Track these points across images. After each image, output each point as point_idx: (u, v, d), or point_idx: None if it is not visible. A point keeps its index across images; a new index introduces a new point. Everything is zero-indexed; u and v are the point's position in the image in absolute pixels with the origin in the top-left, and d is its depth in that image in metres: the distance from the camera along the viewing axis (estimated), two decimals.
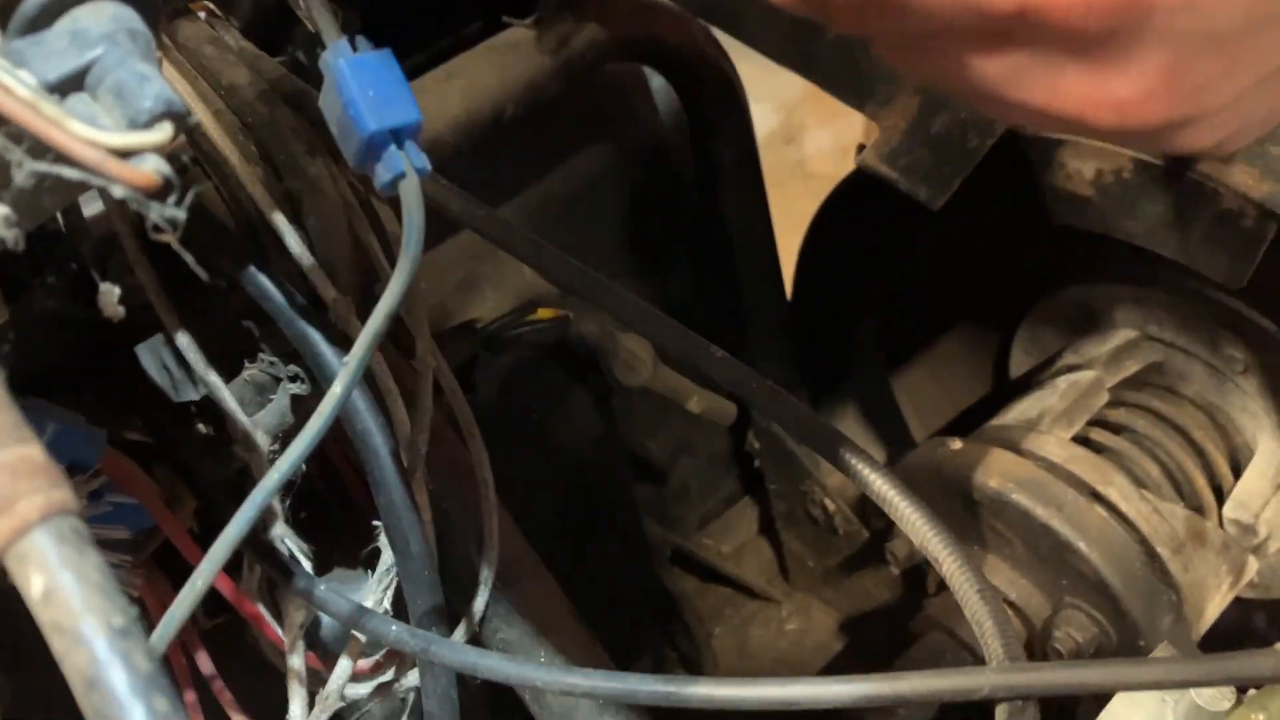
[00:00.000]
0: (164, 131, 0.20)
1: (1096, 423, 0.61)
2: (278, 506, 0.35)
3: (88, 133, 0.19)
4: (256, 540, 0.35)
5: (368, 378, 0.36)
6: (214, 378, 0.36)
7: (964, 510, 0.57)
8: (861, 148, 0.47)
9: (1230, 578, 0.57)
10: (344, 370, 0.26)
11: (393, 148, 0.24)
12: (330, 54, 0.24)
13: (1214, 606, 0.57)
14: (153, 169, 0.19)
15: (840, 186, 0.63)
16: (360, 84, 0.23)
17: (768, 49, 0.46)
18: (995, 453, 0.56)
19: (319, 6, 0.25)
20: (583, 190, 0.58)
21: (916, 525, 0.39)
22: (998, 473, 0.55)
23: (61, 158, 0.19)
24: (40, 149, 0.19)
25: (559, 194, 0.58)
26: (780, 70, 0.48)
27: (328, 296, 0.33)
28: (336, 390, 0.26)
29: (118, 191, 0.19)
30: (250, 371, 0.38)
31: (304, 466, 0.27)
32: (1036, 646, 0.55)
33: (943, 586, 0.56)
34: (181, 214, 0.20)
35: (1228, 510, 0.58)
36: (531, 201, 0.57)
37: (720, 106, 0.55)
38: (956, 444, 0.58)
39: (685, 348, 0.41)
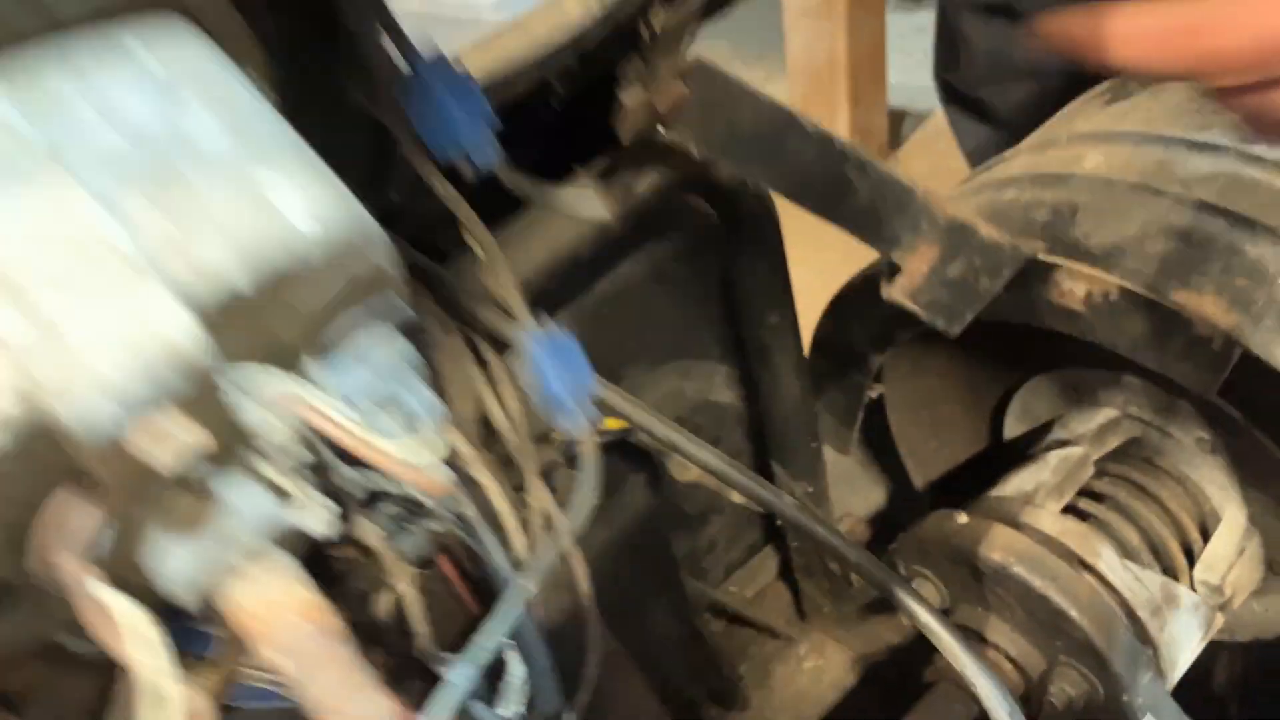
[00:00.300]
0: (443, 444, 0.27)
1: (1083, 493, 0.69)
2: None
3: (395, 450, 0.26)
4: None
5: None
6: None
7: (970, 577, 0.65)
8: (891, 267, 0.55)
9: (1200, 633, 0.66)
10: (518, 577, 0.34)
11: (574, 408, 0.31)
12: (525, 339, 0.31)
13: (1186, 658, 0.66)
14: (444, 477, 0.27)
15: (857, 278, 0.71)
16: (550, 362, 0.31)
17: (806, 202, 0.53)
18: (997, 527, 0.64)
19: (510, 289, 0.32)
20: (630, 293, 0.66)
21: (932, 630, 0.46)
22: (1000, 547, 0.63)
23: (362, 463, 0.27)
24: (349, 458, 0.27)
25: (609, 296, 0.65)
26: None
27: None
28: (518, 583, 0.33)
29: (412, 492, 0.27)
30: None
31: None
32: (1033, 697, 0.64)
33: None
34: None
35: (1198, 572, 0.67)
36: (586, 306, 0.64)
37: (756, 227, 0.63)
38: (963, 518, 0.66)
39: (721, 468, 0.50)
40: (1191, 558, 0.68)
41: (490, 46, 0.41)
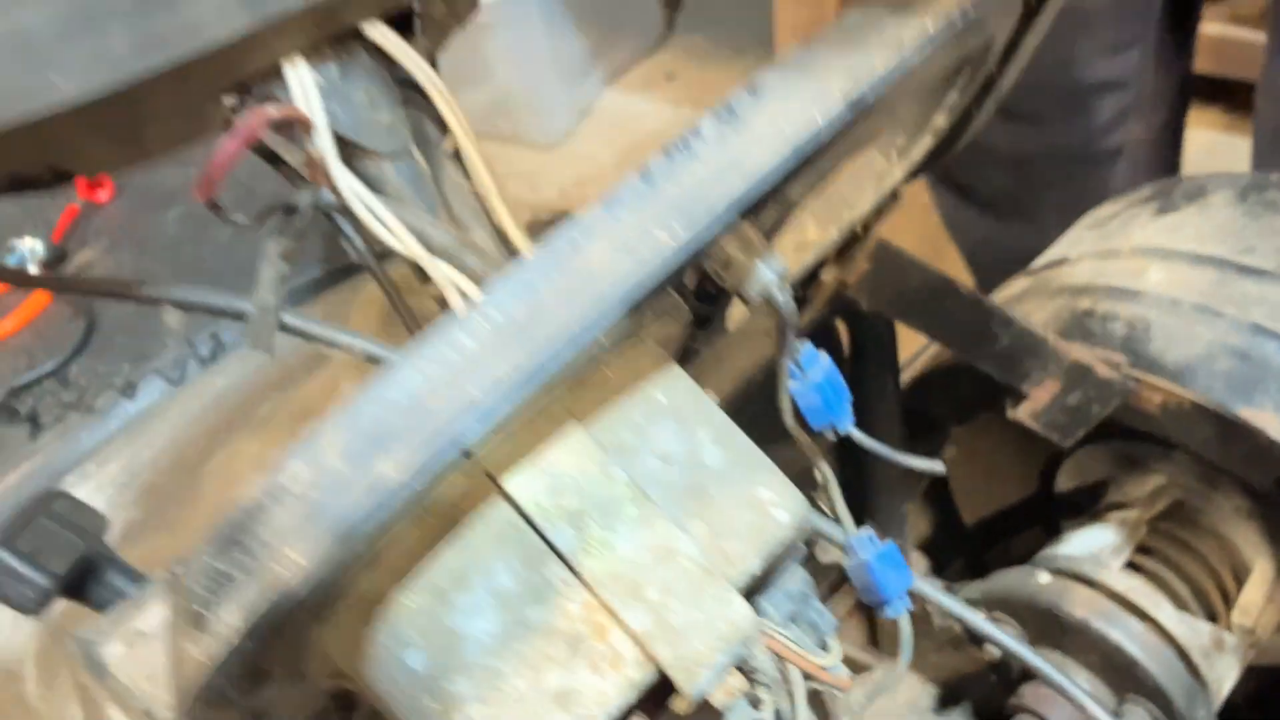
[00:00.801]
0: (838, 650, 0.38)
1: (1139, 549, 0.82)
2: None
3: (822, 660, 0.37)
4: None
5: None
6: None
7: (1050, 626, 0.77)
8: (1015, 395, 0.66)
9: (1238, 668, 0.79)
10: None
11: (897, 600, 0.42)
12: (858, 545, 0.42)
13: (1228, 689, 0.79)
14: (847, 675, 0.37)
15: (946, 362, 0.82)
16: (879, 566, 0.42)
17: (956, 348, 0.64)
18: (1076, 586, 0.77)
19: (840, 502, 0.43)
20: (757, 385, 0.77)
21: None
22: (1080, 604, 0.76)
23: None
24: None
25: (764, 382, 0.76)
26: None
27: None
28: None
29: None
30: None
31: None
32: None
33: (1027, 675, 0.77)
34: None
35: (1235, 616, 0.80)
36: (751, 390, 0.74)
37: (879, 340, 0.74)
38: (1046, 577, 0.78)
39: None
40: (1229, 604, 0.81)
41: None
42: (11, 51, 0.41)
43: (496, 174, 0.60)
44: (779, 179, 0.35)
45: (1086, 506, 0.86)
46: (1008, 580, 0.80)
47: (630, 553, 0.32)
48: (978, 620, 0.68)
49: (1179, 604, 0.80)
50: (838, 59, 0.37)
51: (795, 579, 0.38)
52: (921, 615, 0.93)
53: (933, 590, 0.49)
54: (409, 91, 0.55)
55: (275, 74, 0.50)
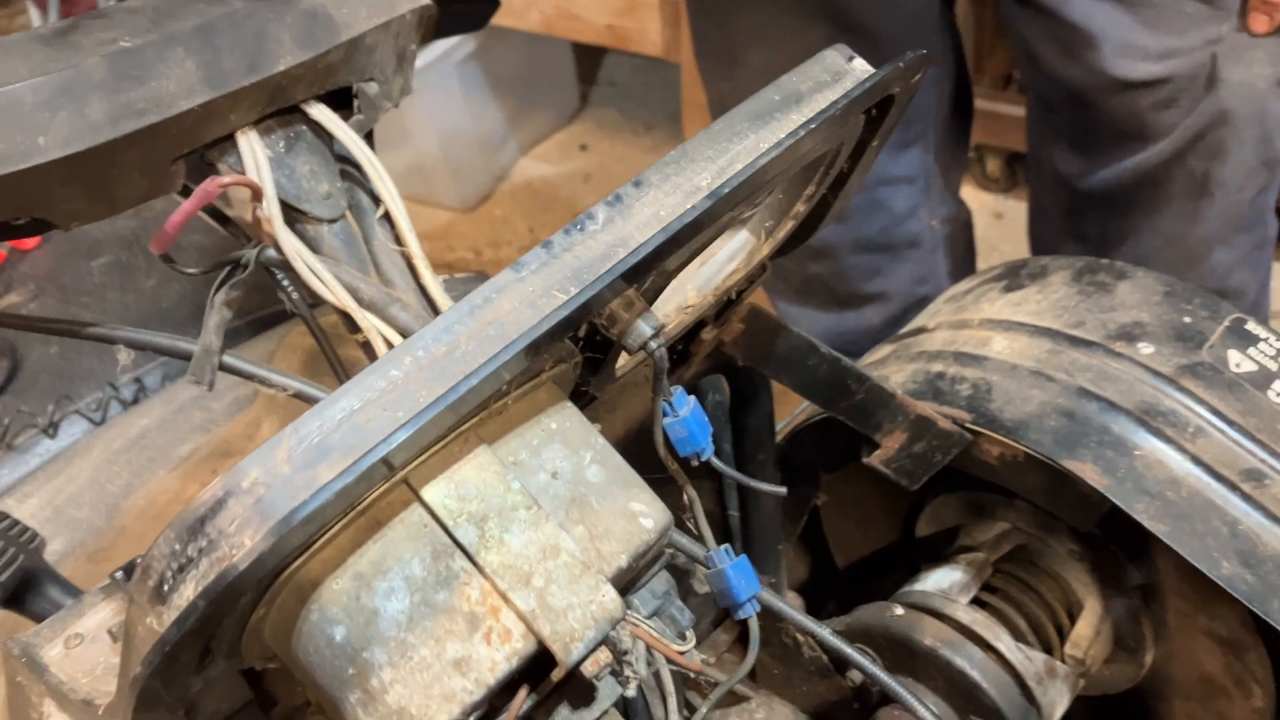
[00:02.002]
0: (693, 639, 0.45)
1: (984, 588, 0.91)
2: None
3: (679, 649, 0.44)
4: None
5: None
6: None
7: (907, 657, 0.85)
8: (870, 444, 0.75)
9: (1069, 695, 0.88)
10: None
11: (747, 604, 0.50)
12: (716, 558, 0.49)
13: (1059, 714, 0.88)
14: (698, 660, 0.45)
15: (818, 418, 0.91)
16: (735, 576, 0.49)
17: (817, 400, 0.73)
18: (926, 618, 0.85)
19: (702, 520, 0.51)
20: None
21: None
22: (930, 634, 0.84)
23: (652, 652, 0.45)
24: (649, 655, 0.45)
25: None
26: None
27: None
28: None
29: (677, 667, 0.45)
30: None
31: None
32: None
33: (884, 700, 0.85)
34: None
35: (1068, 649, 0.89)
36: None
37: (756, 394, 0.82)
38: (899, 610, 0.86)
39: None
40: (1063, 637, 0.90)
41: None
42: (4, 116, 0.47)
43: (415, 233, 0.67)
44: (655, 254, 0.43)
45: (942, 550, 0.95)
46: (867, 614, 0.88)
47: (521, 548, 0.40)
48: (824, 634, 0.76)
49: (1018, 636, 0.89)
50: (707, 158, 0.46)
51: (660, 581, 0.46)
52: (794, 647, 1.00)
53: (775, 599, 0.57)
54: (347, 165, 0.62)
55: (230, 143, 0.57)
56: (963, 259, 1.43)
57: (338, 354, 0.69)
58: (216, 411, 1.08)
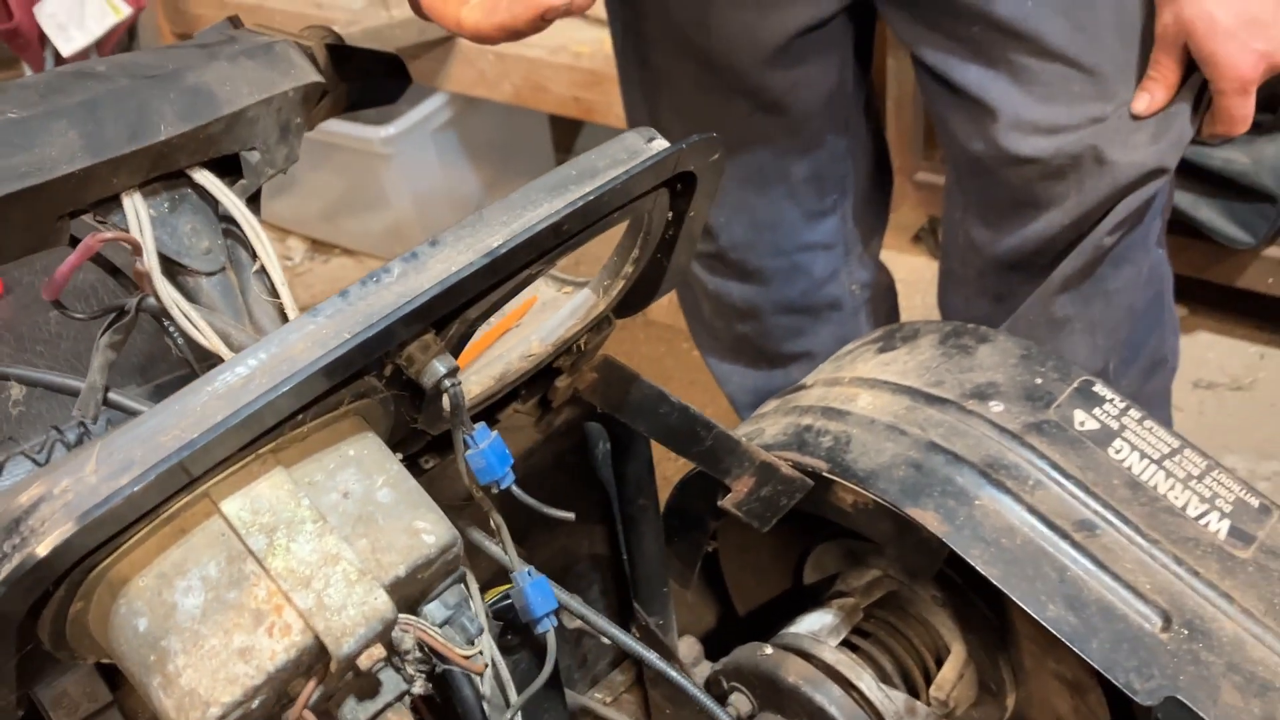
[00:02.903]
0: (484, 645, 0.51)
1: (855, 631, 0.96)
2: None
3: (465, 653, 0.50)
4: None
5: None
6: None
7: (774, 693, 0.91)
8: (723, 489, 0.81)
9: None
10: None
11: (544, 619, 0.55)
12: (519, 578, 0.55)
13: None
14: (482, 664, 0.51)
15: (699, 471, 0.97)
16: (534, 593, 0.55)
17: (669, 444, 0.79)
18: (792, 658, 0.90)
19: (508, 542, 0.57)
20: (543, 478, 0.90)
21: None
22: (794, 673, 0.89)
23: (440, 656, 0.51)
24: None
25: (530, 480, 0.89)
26: None
27: None
28: None
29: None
30: None
31: None
32: None
33: None
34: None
35: (932, 691, 0.94)
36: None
37: (632, 443, 0.88)
38: (768, 650, 0.92)
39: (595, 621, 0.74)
40: (929, 680, 0.95)
41: (484, 374, 0.66)
42: None
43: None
44: (443, 301, 0.50)
45: (823, 595, 1.01)
46: (742, 653, 0.94)
47: (305, 556, 0.46)
48: (629, 642, 0.80)
49: (884, 678, 0.94)
50: (501, 223, 0.53)
51: (453, 594, 0.52)
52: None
53: (587, 611, 0.62)
54: (230, 224, 0.69)
55: (116, 203, 0.64)
56: (885, 322, 1.50)
57: None
58: None
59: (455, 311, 0.52)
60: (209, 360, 0.68)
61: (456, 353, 0.54)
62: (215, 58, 0.67)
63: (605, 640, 1.02)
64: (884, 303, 1.47)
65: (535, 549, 0.98)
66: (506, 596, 0.67)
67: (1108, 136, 1.09)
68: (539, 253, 0.53)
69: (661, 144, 0.59)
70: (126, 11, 2.53)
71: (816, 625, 0.95)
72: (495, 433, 0.54)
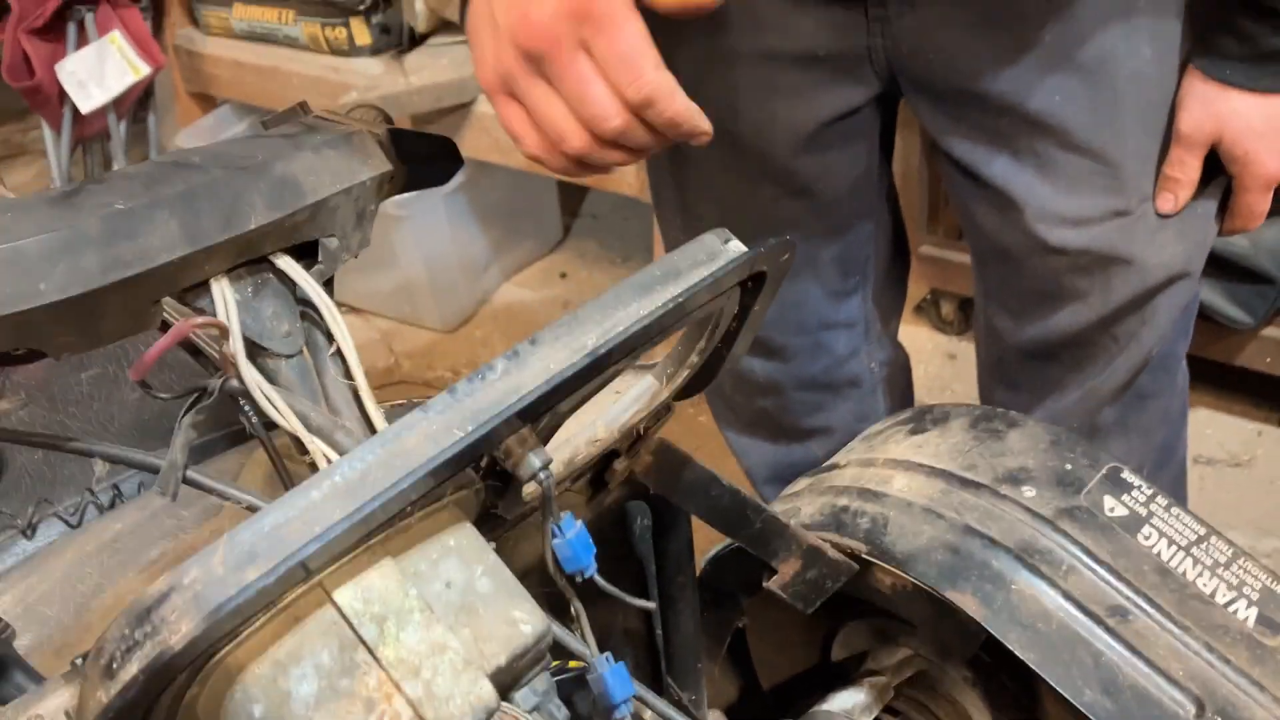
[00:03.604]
0: None
1: (886, 709, 0.98)
2: None
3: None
4: None
5: None
6: None
7: None
8: (769, 571, 0.83)
9: None
10: None
11: (622, 705, 0.57)
12: (599, 664, 0.57)
13: None
14: None
15: (734, 547, 0.99)
16: (612, 680, 0.57)
17: (719, 526, 0.81)
18: None
19: (587, 630, 0.58)
20: None
21: None
22: None
23: None
24: None
25: None
26: None
27: None
28: None
29: None
30: None
31: None
32: None
33: None
34: None
35: None
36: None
37: (675, 523, 0.90)
38: None
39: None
40: None
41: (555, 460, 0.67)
42: (10, 265, 0.57)
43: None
44: (542, 400, 0.52)
45: (852, 673, 1.02)
46: None
47: (414, 645, 0.48)
48: None
49: None
50: (594, 321, 0.55)
51: (541, 680, 0.53)
52: None
53: (658, 701, 0.64)
54: (307, 307, 0.71)
55: (205, 288, 0.66)
56: (900, 398, 1.52)
57: (289, 471, 0.77)
58: (186, 519, 1.15)
59: (550, 406, 0.54)
60: (281, 436, 0.70)
61: (545, 442, 0.56)
62: (300, 148, 0.70)
63: None
64: (900, 380, 1.50)
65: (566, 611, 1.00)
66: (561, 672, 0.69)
67: (1134, 234, 1.12)
68: (629, 350, 0.55)
69: (737, 245, 0.61)
70: (145, 70, 2.58)
71: (849, 703, 0.97)
72: (580, 522, 0.56)
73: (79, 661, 0.65)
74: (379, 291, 2.61)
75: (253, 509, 0.66)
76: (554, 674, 0.72)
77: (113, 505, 1.23)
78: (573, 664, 0.84)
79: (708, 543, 1.06)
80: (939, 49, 1.11)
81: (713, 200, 1.29)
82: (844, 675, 1.06)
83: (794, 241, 0.62)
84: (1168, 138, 1.10)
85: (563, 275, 2.82)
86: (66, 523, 1.21)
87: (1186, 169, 1.07)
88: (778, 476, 1.50)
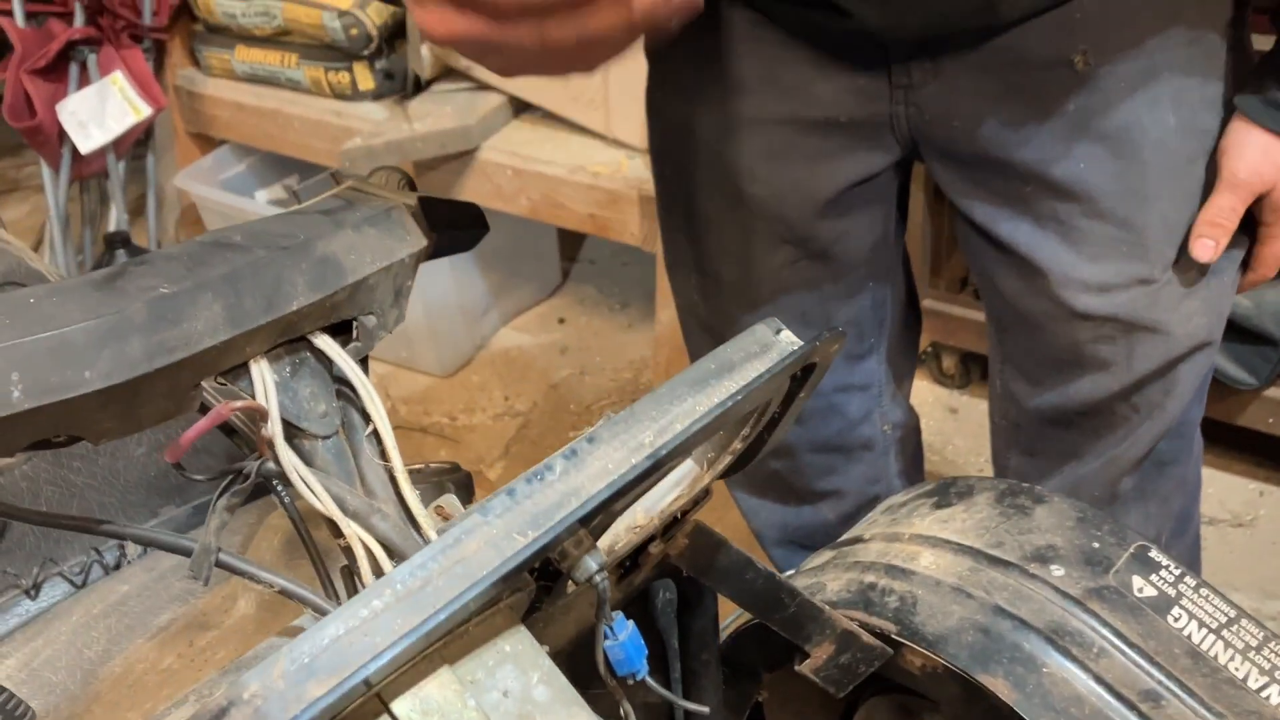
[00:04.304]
0: None
1: None
2: None
3: None
4: None
5: None
6: None
7: None
8: (801, 654, 0.82)
9: None
10: None
11: None
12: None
13: None
14: None
15: (757, 623, 0.98)
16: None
17: (752, 610, 0.80)
18: None
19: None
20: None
21: None
22: None
23: None
24: None
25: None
26: None
27: None
28: None
29: None
30: None
31: None
32: None
33: None
34: None
35: None
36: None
37: (701, 599, 0.89)
38: None
39: None
40: None
41: (609, 539, 0.66)
42: (57, 353, 0.56)
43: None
44: (604, 502, 0.51)
45: None
46: None
47: None
48: None
49: None
50: (651, 418, 0.55)
51: None
52: None
53: None
54: (343, 386, 0.70)
55: (244, 369, 0.65)
56: (912, 460, 1.52)
57: (315, 541, 0.75)
58: (195, 583, 1.13)
59: (608, 507, 0.53)
60: (314, 519, 0.69)
61: (597, 539, 0.55)
62: (341, 226, 0.69)
63: None
64: (911, 441, 1.50)
65: (594, 701, 0.98)
66: None
67: (1159, 302, 1.12)
68: (688, 450, 0.54)
69: (789, 337, 0.61)
70: (147, 112, 2.57)
71: None
72: (631, 623, 0.55)
73: None
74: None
75: (288, 594, 0.65)
76: None
77: (118, 566, 1.21)
78: None
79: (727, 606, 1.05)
80: (963, 116, 1.12)
81: (731, 262, 1.29)
82: None
83: (845, 333, 0.62)
84: (1192, 204, 1.11)
85: (561, 320, 2.82)
86: (72, 583, 1.19)
87: (1234, 215, 1.07)
88: (788, 539, 1.49)
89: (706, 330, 1.34)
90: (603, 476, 0.51)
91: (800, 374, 0.64)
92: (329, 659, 0.44)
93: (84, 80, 2.51)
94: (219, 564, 0.67)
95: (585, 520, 0.51)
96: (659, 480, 0.57)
